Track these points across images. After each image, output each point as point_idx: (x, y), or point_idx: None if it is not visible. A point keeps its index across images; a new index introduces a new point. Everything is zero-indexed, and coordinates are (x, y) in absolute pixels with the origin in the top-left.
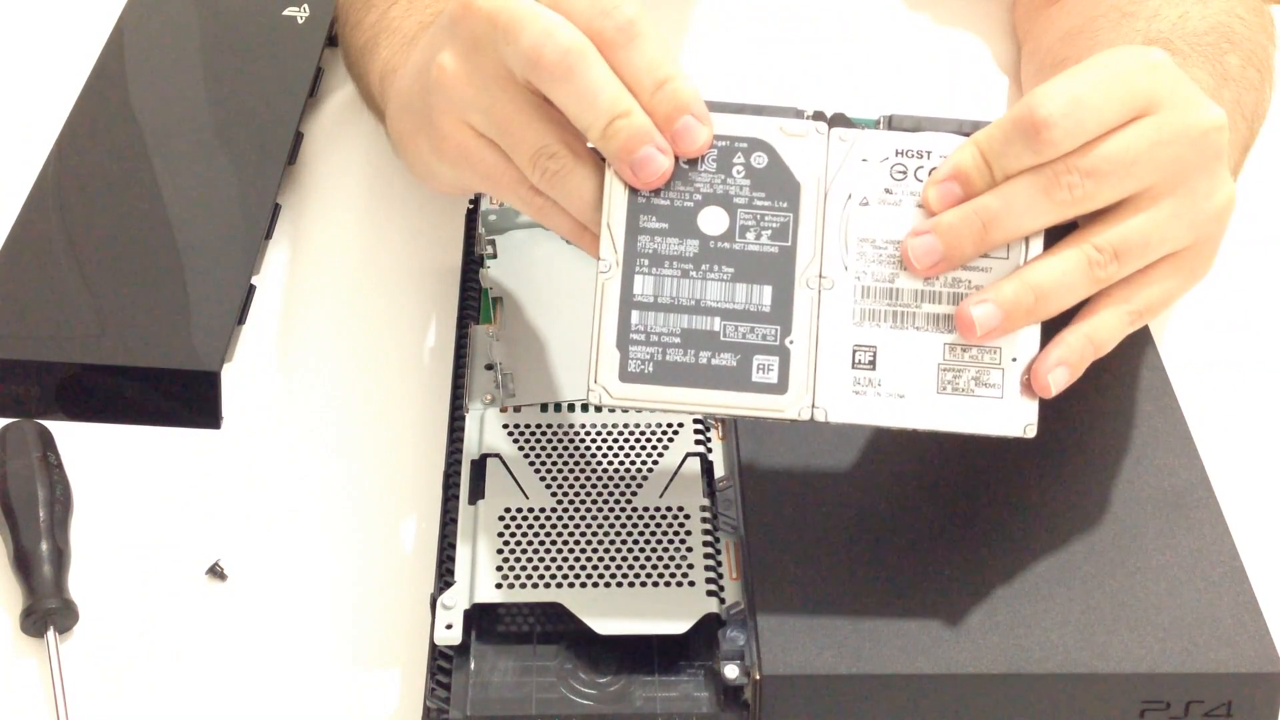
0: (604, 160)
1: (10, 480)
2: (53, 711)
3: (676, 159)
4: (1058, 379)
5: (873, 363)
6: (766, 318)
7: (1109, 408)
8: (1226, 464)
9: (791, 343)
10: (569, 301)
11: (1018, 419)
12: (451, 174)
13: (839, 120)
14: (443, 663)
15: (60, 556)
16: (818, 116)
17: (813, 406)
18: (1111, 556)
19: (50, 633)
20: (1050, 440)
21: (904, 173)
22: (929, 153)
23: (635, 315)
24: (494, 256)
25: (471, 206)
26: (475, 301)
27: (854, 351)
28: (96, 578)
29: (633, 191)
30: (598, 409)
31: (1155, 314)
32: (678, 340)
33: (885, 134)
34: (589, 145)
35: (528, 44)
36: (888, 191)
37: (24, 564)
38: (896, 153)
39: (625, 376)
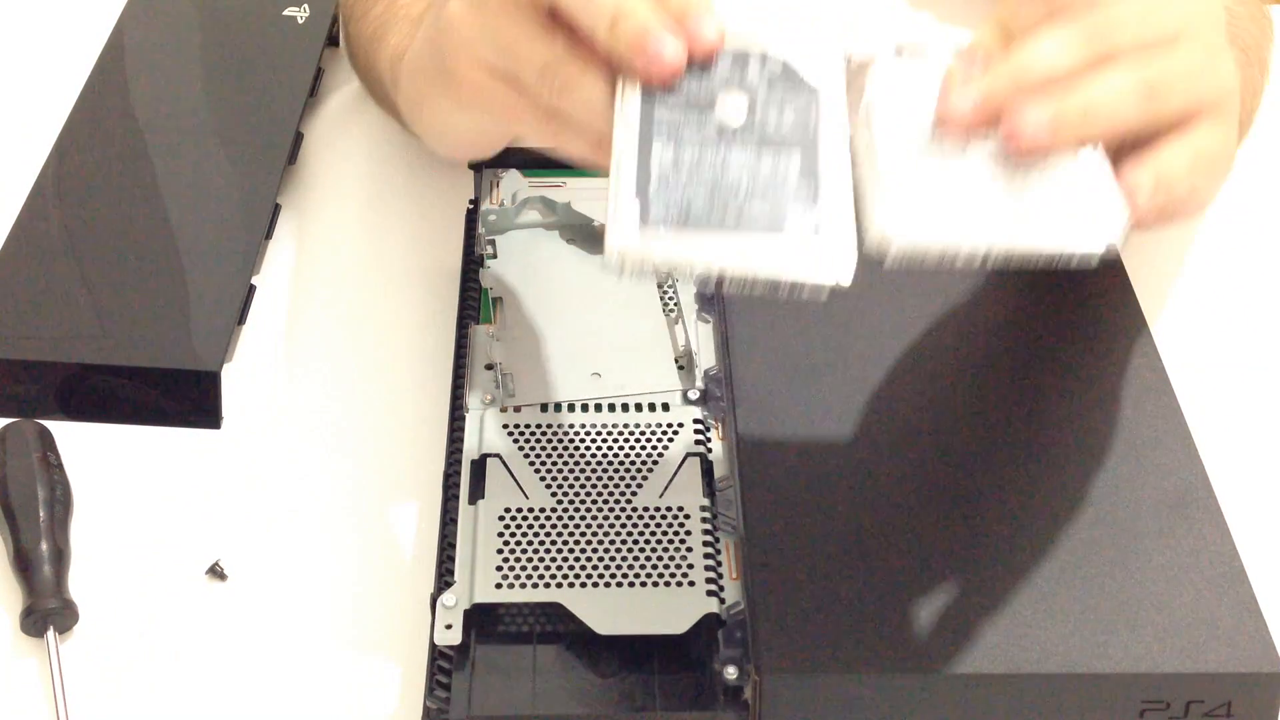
0: (614, 69)
1: (10, 480)
2: (53, 711)
3: (689, 60)
4: (1143, 183)
5: (931, 187)
6: (800, 177)
7: (1109, 408)
8: (1226, 464)
9: (822, 205)
10: (569, 301)
11: (1100, 232)
12: (469, 121)
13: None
14: (443, 663)
15: (60, 556)
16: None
17: (869, 234)
18: (1111, 556)
19: (50, 633)
20: (1050, 440)
21: (924, 70)
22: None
23: (655, 167)
24: (494, 256)
25: (471, 206)
26: (475, 301)
27: (910, 178)
28: (96, 578)
29: (646, 92)
30: (594, 408)
31: (1214, 166)
32: (704, 192)
33: (898, 57)
34: (598, 55)
35: None
36: (912, 81)
37: (24, 564)
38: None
39: (646, 223)
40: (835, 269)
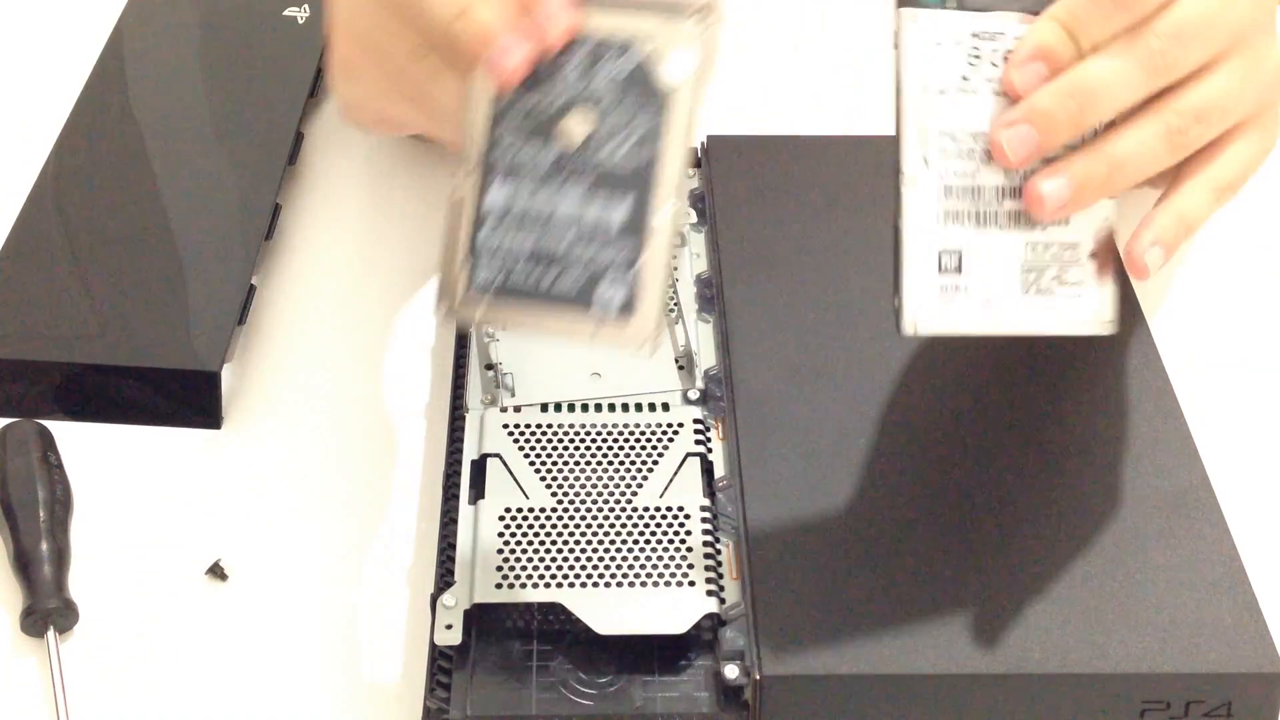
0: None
1: (10, 480)
2: (53, 711)
3: (541, 59)
4: (1154, 259)
5: (959, 267)
6: (622, 233)
7: (1109, 408)
8: (1226, 464)
9: (642, 264)
10: None
11: (1098, 316)
12: (355, 94)
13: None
14: (443, 663)
15: (60, 556)
16: (703, 9)
17: (901, 316)
18: (1111, 556)
19: (50, 633)
20: (1050, 440)
21: (978, 57)
22: (1002, 34)
23: (486, 228)
24: None
25: None
26: None
27: (940, 256)
28: (96, 578)
29: (496, 95)
30: (594, 408)
31: (1237, 188)
32: (526, 255)
33: (959, 14)
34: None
35: None
36: (964, 79)
37: (24, 564)
38: (971, 35)
39: (473, 290)
40: (637, 341)
